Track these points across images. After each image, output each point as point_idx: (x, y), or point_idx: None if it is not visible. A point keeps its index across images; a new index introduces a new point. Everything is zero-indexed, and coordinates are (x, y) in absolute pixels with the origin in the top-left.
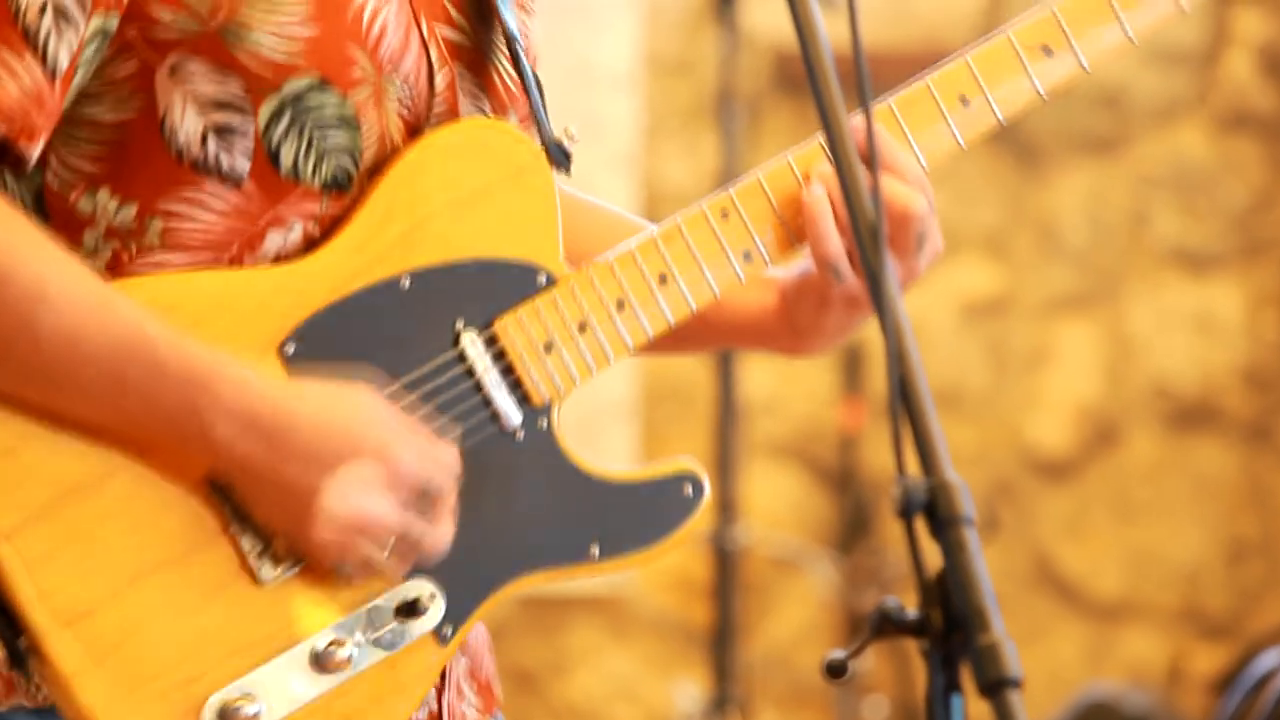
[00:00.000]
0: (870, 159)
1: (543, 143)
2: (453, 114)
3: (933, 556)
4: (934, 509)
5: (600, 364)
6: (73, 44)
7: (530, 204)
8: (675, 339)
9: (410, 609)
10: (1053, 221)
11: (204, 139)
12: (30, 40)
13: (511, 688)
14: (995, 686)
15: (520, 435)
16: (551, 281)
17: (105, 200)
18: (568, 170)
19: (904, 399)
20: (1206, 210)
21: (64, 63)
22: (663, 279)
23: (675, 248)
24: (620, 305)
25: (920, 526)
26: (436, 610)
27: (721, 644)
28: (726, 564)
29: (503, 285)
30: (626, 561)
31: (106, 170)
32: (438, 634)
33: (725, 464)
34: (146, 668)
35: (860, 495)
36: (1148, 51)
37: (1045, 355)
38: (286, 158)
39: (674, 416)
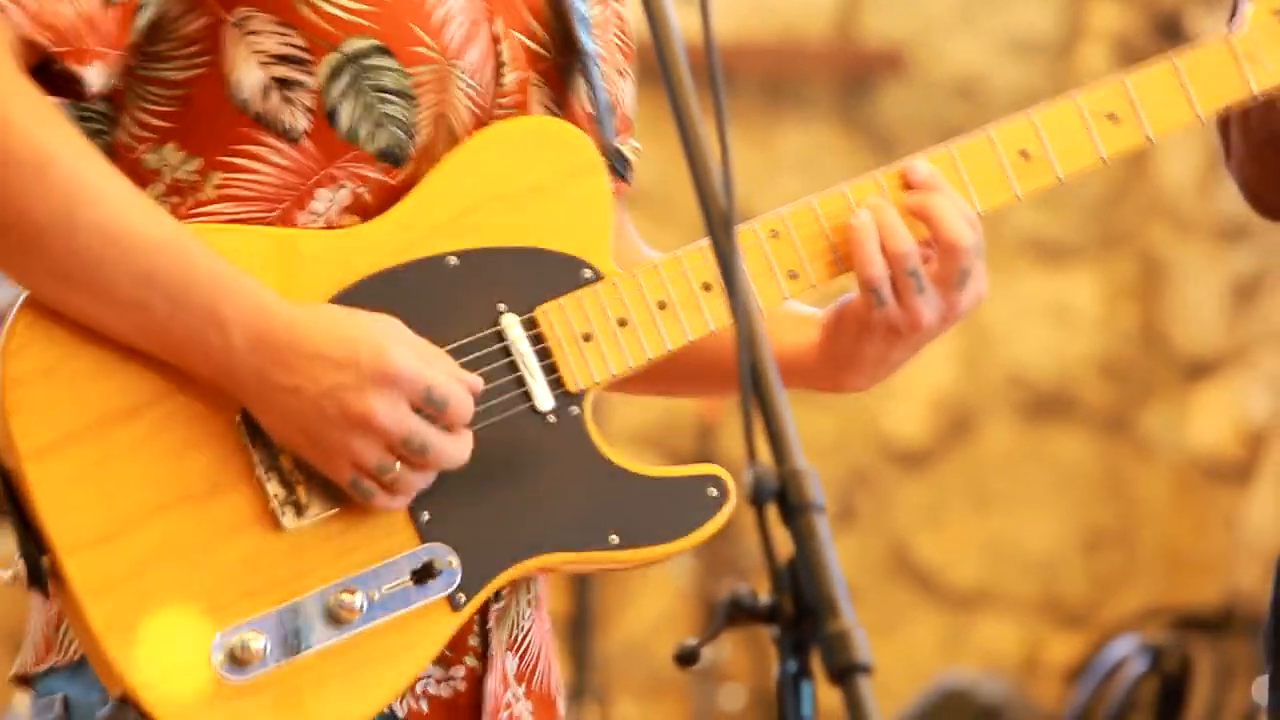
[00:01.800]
0: (722, 147)
1: (603, 149)
2: (522, 113)
3: (786, 544)
4: (785, 496)
5: (637, 359)
6: None
7: (584, 203)
8: (719, 378)
9: (426, 571)
10: None
11: (266, 92)
12: None
13: None
14: (845, 673)
15: (551, 418)
16: (597, 277)
17: (171, 155)
18: (628, 179)
19: (755, 386)
20: (1062, 201)
21: None
22: (707, 286)
23: None
24: (662, 306)
25: (772, 514)
26: (452, 575)
27: (579, 634)
28: None
29: (548, 275)
30: (644, 554)
31: (174, 126)
32: (451, 600)
33: None
34: (160, 597)
35: None
36: (1004, 42)
37: None
38: (344, 118)
39: None
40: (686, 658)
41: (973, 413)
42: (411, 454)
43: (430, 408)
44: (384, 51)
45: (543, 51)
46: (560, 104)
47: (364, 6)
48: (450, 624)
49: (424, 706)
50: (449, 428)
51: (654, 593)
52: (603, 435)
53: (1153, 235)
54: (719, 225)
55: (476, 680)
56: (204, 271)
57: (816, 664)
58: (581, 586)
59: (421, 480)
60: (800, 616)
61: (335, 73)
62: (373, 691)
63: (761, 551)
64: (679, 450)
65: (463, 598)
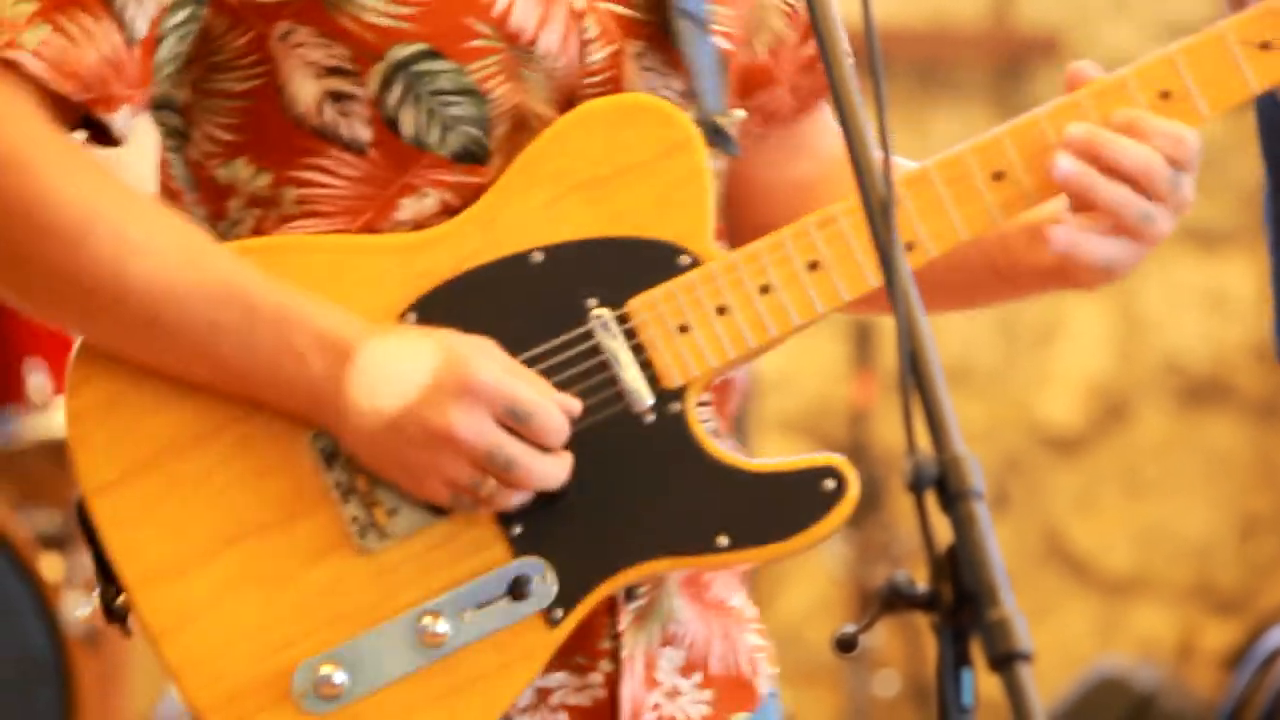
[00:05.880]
0: (882, 134)
1: (699, 121)
2: (616, 89)
3: (944, 531)
4: (944, 483)
5: (738, 348)
6: (151, 10)
7: (679, 183)
8: (940, 288)
9: (519, 587)
10: None
11: (320, 106)
12: (108, 4)
13: None
14: (1005, 660)
15: (650, 417)
16: (695, 263)
17: (242, 169)
18: (730, 150)
19: (915, 373)
20: (1217, 187)
21: (142, 29)
22: (813, 265)
23: (830, 234)
24: (764, 290)
25: (931, 501)
26: (547, 591)
27: None
28: None
29: (641, 265)
30: (757, 554)
31: (242, 139)
32: (547, 616)
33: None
34: (237, 631)
35: (871, 470)
36: (1159, 27)
37: (1055, 331)
38: (407, 125)
39: None
40: (845, 644)
41: (1127, 399)
42: (498, 469)
43: (513, 422)
44: (433, 54)
45: (638, 15)
46: (672, 68)
47: (405, 10)
48: (549, 641)
49: (563, 718)
50: (540, 446)
51: (807, 580)
52: (706, 431)
53: None
54: (878, 212)
55: (616, 685)
56: (269, 307)
57: (975, 651)
58: None
59: (520, 497)
60: (959, 604)
61: (386, 82)
62: (467, 717)
63: (920, 538)
64: (831, 437)
65: (560, 613)
